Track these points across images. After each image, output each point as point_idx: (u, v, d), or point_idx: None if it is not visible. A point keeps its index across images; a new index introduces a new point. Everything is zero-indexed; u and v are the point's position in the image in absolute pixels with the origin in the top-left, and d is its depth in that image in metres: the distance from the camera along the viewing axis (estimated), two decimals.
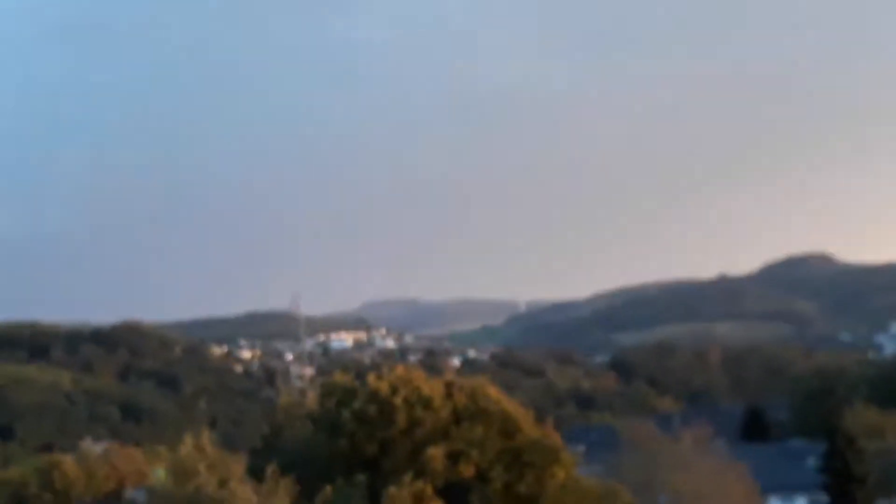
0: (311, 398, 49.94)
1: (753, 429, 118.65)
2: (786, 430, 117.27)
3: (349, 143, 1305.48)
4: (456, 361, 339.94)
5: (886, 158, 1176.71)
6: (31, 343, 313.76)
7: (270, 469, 35.36)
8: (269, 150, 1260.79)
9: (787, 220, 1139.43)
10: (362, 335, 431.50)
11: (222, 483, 32.15)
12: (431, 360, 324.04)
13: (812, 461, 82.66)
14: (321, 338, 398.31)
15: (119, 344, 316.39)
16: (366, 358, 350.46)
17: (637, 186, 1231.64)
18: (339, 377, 47.74)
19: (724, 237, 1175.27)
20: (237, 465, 33.80)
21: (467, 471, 41.03)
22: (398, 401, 42.06)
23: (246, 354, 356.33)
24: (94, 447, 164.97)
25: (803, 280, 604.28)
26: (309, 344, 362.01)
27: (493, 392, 44.86)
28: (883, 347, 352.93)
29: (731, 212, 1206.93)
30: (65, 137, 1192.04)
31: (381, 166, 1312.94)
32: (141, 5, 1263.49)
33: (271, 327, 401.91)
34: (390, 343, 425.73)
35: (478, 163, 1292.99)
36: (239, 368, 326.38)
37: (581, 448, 59.29)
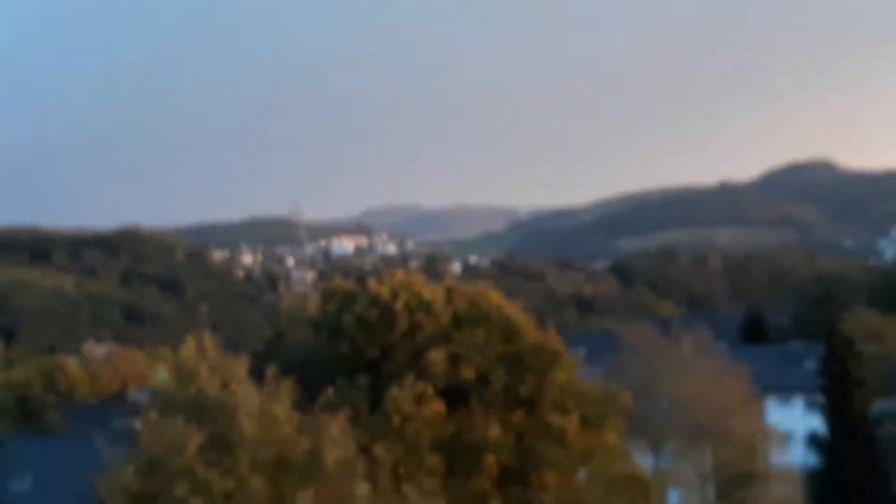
0: (313, 303, 49.94)
1: (753, 333, 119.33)
2: (786, 335, 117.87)
3: (349, 51, 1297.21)
4: (457, 267, 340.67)
5: (890, 66, 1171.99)
6: (34, 248, 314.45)
7: (271, 371, 35.46)
8: (272, 59, 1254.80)
9: (789, 126, 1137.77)
10: (363, 241, 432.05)
11: (224, 385, 32.29)
12: (432, 266, 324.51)
13: (811, 364, 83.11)
14: (322, 243, 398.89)
15: (121, 249, 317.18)
16: (367, 263, 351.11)
17: (641, 94, 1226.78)
18: (341, 282, 47.68)
19: (726, 144, 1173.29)
20: (239, 368, 33.88)
21: (468, 373, 41.26)
22: (399, 305, 42.12)
23: (247, 259, 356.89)
24: (97, 350, 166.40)
25: (805, 186, 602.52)
26: (310, 249, 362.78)
27: (495, 297, 44.90)
28: (884, 253, 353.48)
29: (734, 118, 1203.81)
30: (68, 48, 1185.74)
31: (382, 75, 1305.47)
32: None
33: (273, 233, 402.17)
34: (391, 249, 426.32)
35: (480, 70, 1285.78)
36: (241, 273, 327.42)
37: (581, 352, 59.33)
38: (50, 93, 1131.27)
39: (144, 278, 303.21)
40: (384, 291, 42.87)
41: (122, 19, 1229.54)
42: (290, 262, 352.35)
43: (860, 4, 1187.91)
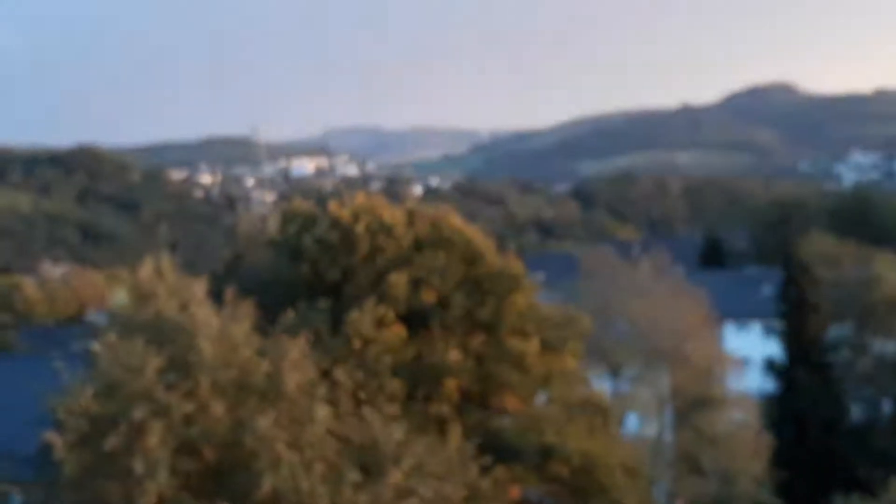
0: (272, 224, 49.73)
1: (711, 257, 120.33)
2: (743, 259, 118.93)
3: None
4: (418, 190, 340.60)
5: None
6: None
7: (231, 293, 35.19)
8: None
9: (750, 49, 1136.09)
10: (324, 162, 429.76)
11: (183, 307, 32.03)
12: (393, 189, 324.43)
13: (768, 289, 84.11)
14: (282, 164, 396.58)
15: (76, 168, 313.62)
16: (327, 185, 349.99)
17: (603, 14, 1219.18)
18: (301, 203, 47.35)
19: (688, 67, 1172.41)
20: (198, 289, 33.60)
21: (428, 297, 41.25)
22: (360, 228, 41.91)
23: (206, 180, 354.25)
24: (53, 270, 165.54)
25: (765, 110, 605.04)
26: (270, 170, 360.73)
27: (456, 220, 44.79)
28: (842, 177, 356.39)
29: (694, 41, 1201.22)
30: None
31: None
32: None
33: (232, 153, 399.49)
34: (352, 171, 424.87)
35: None
36: (199, 194, 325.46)
37: (541, 275, 59.55)
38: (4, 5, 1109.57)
39: (101, 198, 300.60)
40: (345, 214, 42.63)
41: None
42: (250, 182, 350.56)
43: None
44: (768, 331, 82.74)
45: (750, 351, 78.93)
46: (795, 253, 76.92)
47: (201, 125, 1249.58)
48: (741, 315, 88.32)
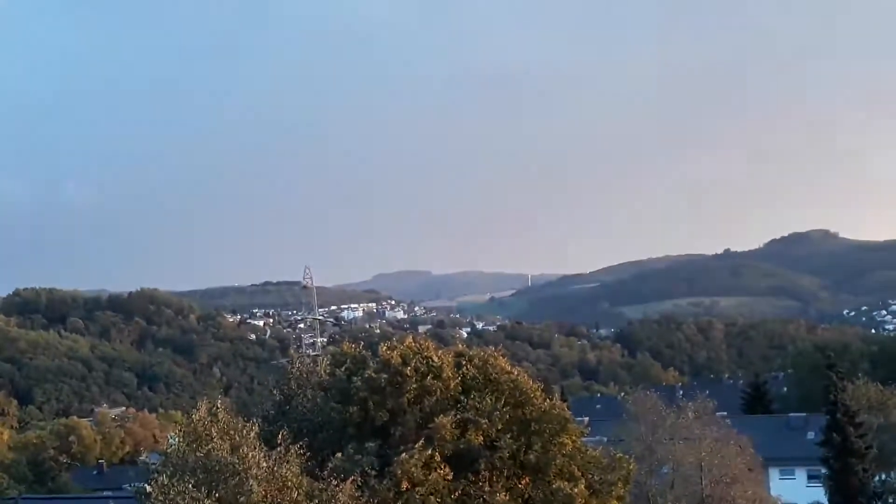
0: (323, 367, 50.72)
1: (755, 402, 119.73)
2: (787, 404, 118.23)
3: (361, 119, 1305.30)
4: (464, 332, 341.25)
5: (888, 140, 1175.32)
6: (50, 310, 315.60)
7: (281, 435, 36.42)
8: (282, 123, 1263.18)
9: (791, 197, 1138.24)
10: (373, 306, 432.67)
11: (235, 449, 33.23)
12: (440, 331, 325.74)
13: (812, 434, 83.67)
14: (333, 308, 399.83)
15: (135, 312, 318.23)
16: (376, 328, 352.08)
17: (645, 163, 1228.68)
18: (351, 346, 48.36)
19: (729, 213, 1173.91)
20: (249, 432, 34.89)
21: (476, 439, 41.52)
22: (409, 370, 42.71)
23: (259, 323, 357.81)
24: (110, 412, 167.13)
25: (806, 256, 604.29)
26: (321, 314, 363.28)
27: (503, 363, 45.48)
28: (885, 323, 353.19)
29: (736, 189, 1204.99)
30: (83, 109, 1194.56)
31: (393, 143, 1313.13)
32: None
33: (284, 297, 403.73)
34: (400, 314, 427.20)
35: (487, 142, 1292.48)
36: (252, 337, 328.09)
37: (586, 419, 60.10)
38: (67, 155, 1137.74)
39: (158, 341, 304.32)
40: (394, 356, 43.41)
41: (135, 84, 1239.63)
42: (301, 325, 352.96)
43: (858, 78, 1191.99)
44: (813, 477, 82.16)
45: (795, 497, 78.30)
46: (839, 398, 76.70)
47: (256, 271, 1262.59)
48: (786, 461, 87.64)
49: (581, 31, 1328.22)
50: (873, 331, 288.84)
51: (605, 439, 58.29)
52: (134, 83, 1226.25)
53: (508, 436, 42.13)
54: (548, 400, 44.87)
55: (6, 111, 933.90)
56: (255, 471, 31.69)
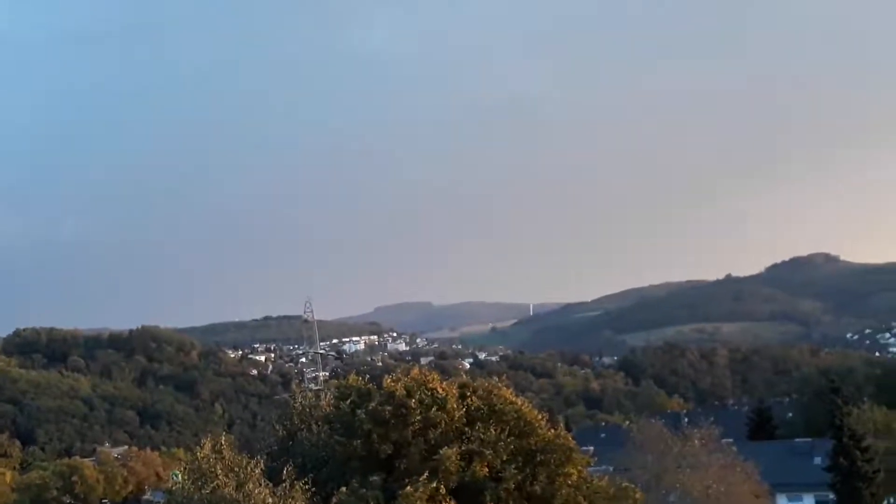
0: (326, 400, 50.59)
1: (760, 427, 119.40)
2: (792, 430, 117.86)
3: (359, 152, 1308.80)
4: (467, 363, 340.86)
5: (888, 161, 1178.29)
6: (51, 349, 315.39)
7: (286, 471, 36.32)
8: (282, 159, 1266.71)
9: (791, 221, 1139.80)
10: (374, 338, 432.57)
11: (240, 485, 33.16)
12: (443, 362, 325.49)
13: (819, 459, 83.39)
14: (334, 341, 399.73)
15: (136, 349, 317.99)
16: (378, 360, 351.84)
17: (644, 190, 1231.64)
18: (354, 379, 48.22)
19: (729, 239, 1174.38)
20: (254, 468, 34.82)
21: (481, 471, 41.33)
22: (413, 402, 42.55)
23: (261, 358, 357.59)
24: (112, 451, 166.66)
25: (808, 280, 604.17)
26: (322, 347, 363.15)
27: (507, 393, 45.35)
28: (888, 346, 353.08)
29: (736, 214, 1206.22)
30: (81, 146, 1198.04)
31: (390, 175, 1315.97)
32: (157, 13, 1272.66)
33: (285, 332, 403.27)
34: (402, 346, 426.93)
35: (487, 170, 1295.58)
36: (254, 372, 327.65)
37: (590, 448, 59.95)
38: (64, 193, 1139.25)
39: (160, 378, 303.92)
40: (399, 388, 43.27)
41: (134, 121, 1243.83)
42: (303, 360, 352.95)
43: (861, 108, 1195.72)
44: (821, 502, 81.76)
45: None
46: (845, 423, 76.50)
47: (256, 305, 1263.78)
48: (792, 486, 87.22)
49: (577, 62, 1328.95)
50: (877, 354, 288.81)
51: (611, 468, 58.07)
52: (133, 117, 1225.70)
53: (513, 467, 41.97)
54: (552, 430, 44.75)
55: (5, 149, 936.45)
56: None
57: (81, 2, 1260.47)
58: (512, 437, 42.80)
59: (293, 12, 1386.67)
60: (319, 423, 48.45)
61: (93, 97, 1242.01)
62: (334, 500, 37.03)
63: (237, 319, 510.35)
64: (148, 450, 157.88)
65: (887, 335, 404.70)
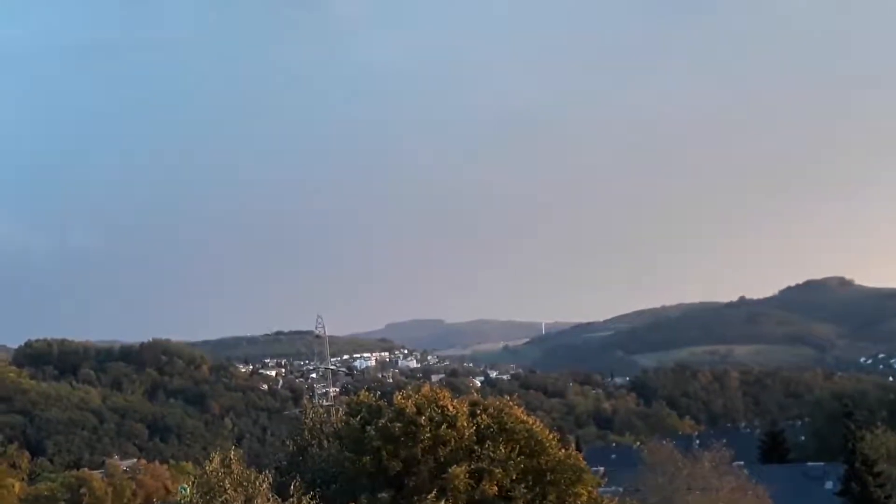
0: (337, 416, 50.54)
1: (772, 451, 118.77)
2: (805, 453, 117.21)
3: (374, 168, 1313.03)
4: (478, 381, 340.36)
5: None
6: (62, 361, 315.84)
7: (294, 486, 36.23)
8: (296, 174, 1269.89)
9: (806, 244, 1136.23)
10: (385, 355, 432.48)
11: (248, 500, 33.07)
12: (454, 380, 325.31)
13: (831, 484, 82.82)
14: (345, 357, 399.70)
15: (147, 362, 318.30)
16: (389, 377, 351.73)
17: (659, 212, 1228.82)
18: (364, 395, 48.15)
19: (744, 261, 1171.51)
20: (263, 483, 34.72)
21: (490, 489, 41.22)
22: (423, 419, 42.41)
23: (271, 373, 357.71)
24: (121, 464, 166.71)
25: (822, 303, 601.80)
26: (333, 363, 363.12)
27: (518, 412, 45.23)
28: None
29: (751, 236, 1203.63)
30: (93, 159, 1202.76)
31: (405, 191, 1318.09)
32: (166, 24, 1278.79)
33: (296, 347, 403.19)
34: (413, 363, 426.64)
35: (499, 187, 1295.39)
36: (264, 387, 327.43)
37: (601, 468, 59.64)
38: (78, 205, 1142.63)
39: (170, 392, 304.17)
40: (409, 405, 43.15)
41: (147, 133, 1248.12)
42: (313, 375, 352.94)
43: (877, 122, 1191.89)
44: None
45: None
46: (858, 447, 75.99)
47: (268, 320, 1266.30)
48: None
49: (584, 80, 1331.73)
50: (891, 378, 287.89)
51: (622, 489, 57.84)
52: (136, 131, 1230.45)
53: (523, 486, 41.83)
54: (563, 449, 44.61)
55: (16, 160, 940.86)
56: None
57: (83, 15, 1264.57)
58: (522, 457, 42.66)
59: (294, 28, 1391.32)
60: (329, 438, 48.42)
61: (100, 109, 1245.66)
62: None
63: (249, 334, 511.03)
64: (157, 463, 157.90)
65: None
